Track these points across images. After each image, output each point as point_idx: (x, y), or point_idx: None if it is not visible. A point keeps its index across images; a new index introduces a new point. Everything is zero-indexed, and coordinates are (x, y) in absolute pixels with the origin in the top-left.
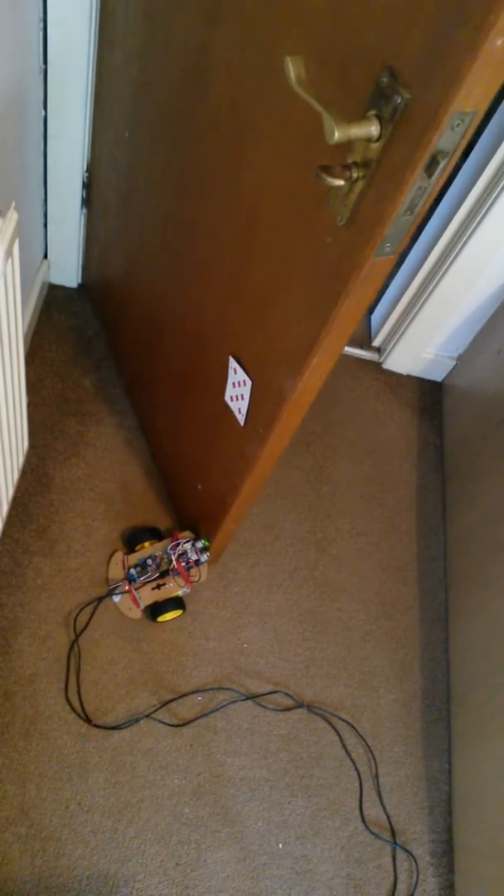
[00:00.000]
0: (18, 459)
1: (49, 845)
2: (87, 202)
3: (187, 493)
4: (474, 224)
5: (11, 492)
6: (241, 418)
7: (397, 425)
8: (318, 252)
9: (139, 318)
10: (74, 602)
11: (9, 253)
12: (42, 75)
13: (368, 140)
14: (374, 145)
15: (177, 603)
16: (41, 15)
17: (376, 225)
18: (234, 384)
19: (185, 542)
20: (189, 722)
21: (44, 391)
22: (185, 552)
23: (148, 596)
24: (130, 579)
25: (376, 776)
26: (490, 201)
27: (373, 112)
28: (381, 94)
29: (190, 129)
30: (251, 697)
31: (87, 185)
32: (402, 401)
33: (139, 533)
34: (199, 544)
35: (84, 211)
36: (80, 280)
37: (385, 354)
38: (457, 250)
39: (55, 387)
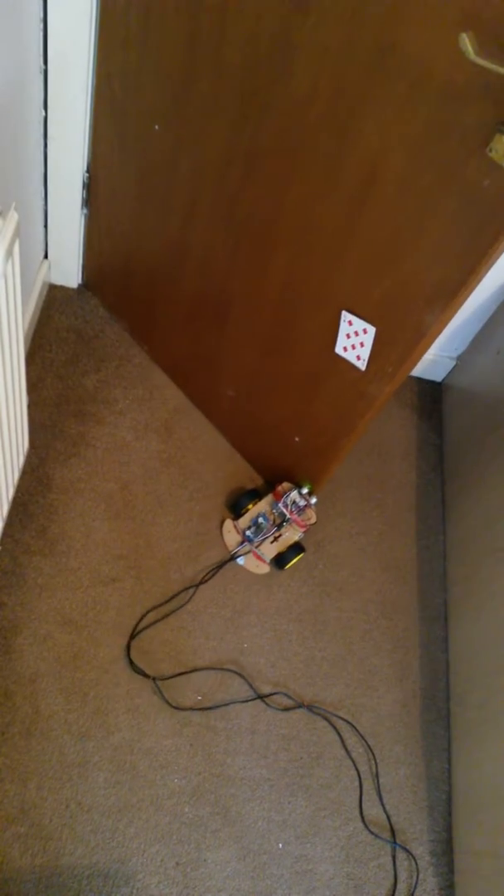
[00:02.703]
0: (19, 460)
1: (49, 845)
2: (87, 202)
3: (278, 449)
4: None
5: (12, 492)
6: (361, 364)
7: (397, 425)
8: (470, 196)
9: (188, 302)
10: (74, 601)
11: (9, 253)
12: (42, 75)
13: None
14: None
15: (297, 548)
16: (41, 15)
17: None
18: (347, 335)
19: (291, 493)
20: (189, 708)
21: (44, 391)
22: (294, 501)
23: (269, 550)
24: (249, 541)
25: (376, 776)
26: None
27: None
28: None
29: (265, 110)
30: (251, 698)
31: (88, 186)
32: (402, 401)
33: (240, 498)
34: (304, 490)
35: (84, 211)
36: (80, 280)
37: None
38: None
39: (55, 387)
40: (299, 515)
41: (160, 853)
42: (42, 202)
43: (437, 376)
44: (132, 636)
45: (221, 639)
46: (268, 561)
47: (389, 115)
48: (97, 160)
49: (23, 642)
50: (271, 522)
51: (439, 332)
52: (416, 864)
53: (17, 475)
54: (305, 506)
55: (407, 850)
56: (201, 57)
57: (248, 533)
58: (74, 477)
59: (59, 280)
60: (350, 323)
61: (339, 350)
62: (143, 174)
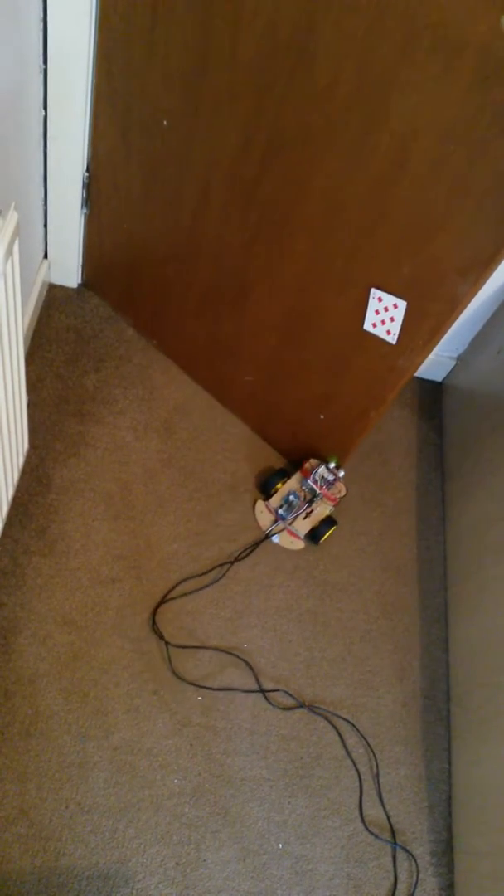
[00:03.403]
0: (18, 460)
1: (49, 845)
2: (86, 201)
3: (301, 428)
4: None
5: (11, 492)
6: (391, 339)
7: (397, 425)
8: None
9: (202, 292)
10: (74, 602)
11: (9, 253)
12: (42, 75)
13: None
14: None
15: (330, 522)
16: (41, 15)
17: None
18: (377, 311)
19: (319, 468)
20: (192, 683)
21: (44, 391)
22: (322, 476)
23: (303, 526)
24: (282, 518)
25: (376, 776)
26: None
27: None
28: None
29: (284, 99)
30: (254, 689)
31: (87, 185)
32: (402, 401)
33: (269, 479)
34: (331, 464)
35: (84, 210)
36: (80, 279)
37: None
38: None
39: (55, 387)
40: (329, 489)
41: (160, 854)
42: (42, 202)
43: (438, 376)
44: (161, 602)
45: (221, 638)
46: (302, 537)
47: (420, 98)
48: (97, 159)
49: (22, 642)
50: (302, 499)
51: (471, 300)
52: (416, 864)
53: (16, 475)
54: (334, 479)
55: (407, 851)
56: (214, 50)
57: (280, 511)
58: (74, 477)
59: (58, 279)
60: (380, 300)
61: (367, 327)
62: (150, 169)
